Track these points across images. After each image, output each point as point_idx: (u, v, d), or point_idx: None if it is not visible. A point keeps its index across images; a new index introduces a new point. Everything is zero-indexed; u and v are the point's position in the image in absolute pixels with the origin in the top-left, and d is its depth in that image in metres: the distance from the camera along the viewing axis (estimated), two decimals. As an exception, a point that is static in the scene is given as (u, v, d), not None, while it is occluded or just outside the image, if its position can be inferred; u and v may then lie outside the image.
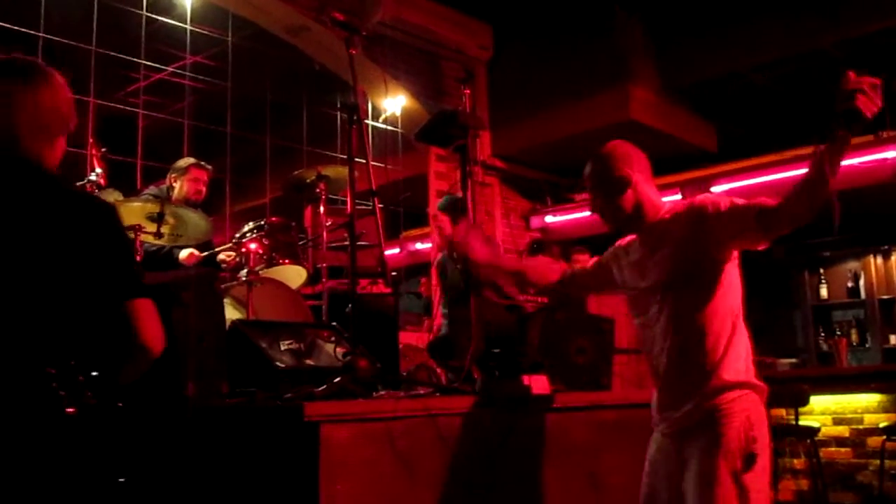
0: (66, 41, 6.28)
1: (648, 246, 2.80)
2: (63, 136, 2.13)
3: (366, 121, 8.62)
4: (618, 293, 3.05)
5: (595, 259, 3.17)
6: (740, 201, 2.59)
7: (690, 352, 2.64)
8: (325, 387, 2.79)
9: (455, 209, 5.36)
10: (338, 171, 5.37)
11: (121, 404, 2.01)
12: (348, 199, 3.31)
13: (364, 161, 3.30)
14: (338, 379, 2.84)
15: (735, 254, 2.67)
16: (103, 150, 4.52)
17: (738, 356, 2.63)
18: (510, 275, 3.33)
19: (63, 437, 1.79)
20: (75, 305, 1.93)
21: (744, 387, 2.60)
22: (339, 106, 8.30)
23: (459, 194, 5.54)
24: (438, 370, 4.67)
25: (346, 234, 5.35)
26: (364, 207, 3.58)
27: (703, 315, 2.62)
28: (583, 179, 2.95)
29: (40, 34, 6.08)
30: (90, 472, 1.86)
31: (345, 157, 8.24)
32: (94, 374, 1.91)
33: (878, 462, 6.34)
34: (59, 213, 1.96)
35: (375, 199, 3.22)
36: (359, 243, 5.41)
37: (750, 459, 2.53)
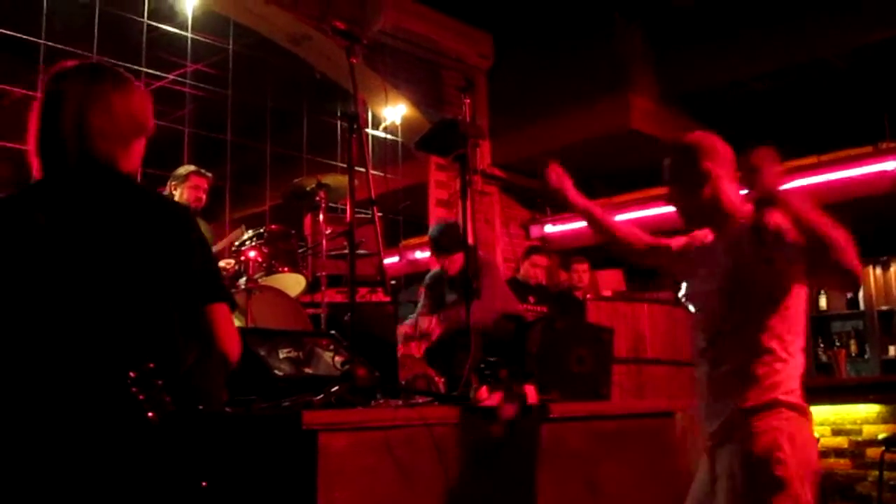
0: (67, 48, 6.29)
1: (720, 247, 2.68)
2: (140, 139, 2.13)
3: (366, 129, 8.66)
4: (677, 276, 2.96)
5: (680, 240, 2.99)
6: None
7: (734, 365, 2.57)
8: (322, 395, 2.78)
9: (441, 243, 5.13)
10: (337, 180, 5.37)
11: (201, 408, 2.01)
12: (348, 208, 3.31)
13: (364, 170, 3.31)
14: (336, 388, 2.83)
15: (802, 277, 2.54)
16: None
17: (783, 376, 2.53)
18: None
19: (145, 443, 1.80)
20: (156, 308, 1.93)
21: (781, 406, 2.51)
22: (339, 115, 8.30)
23: (452, 220, 5.46)
24: (438, 379, 4.66)
25: (345, 243, 5.37)
26: (363, 216, 3.58)
27: (756, 330, 2.54)
28: (661, 169, 2.81)
29: (41, 41, 6.09)
30: (173, 478, 1.85)
31: (345, 165, 8.25)
32: (177, 378, 1.90)
33: (876, 473, 6.32)
34: (139, 215, 1.97)
35: (375, 208, 3.21)
36: (358, 252, 5.43)
37: (775, 482, 2.42)
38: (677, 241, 2.97)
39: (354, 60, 3.42)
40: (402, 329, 5.13)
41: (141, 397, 1.78)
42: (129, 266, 1.90)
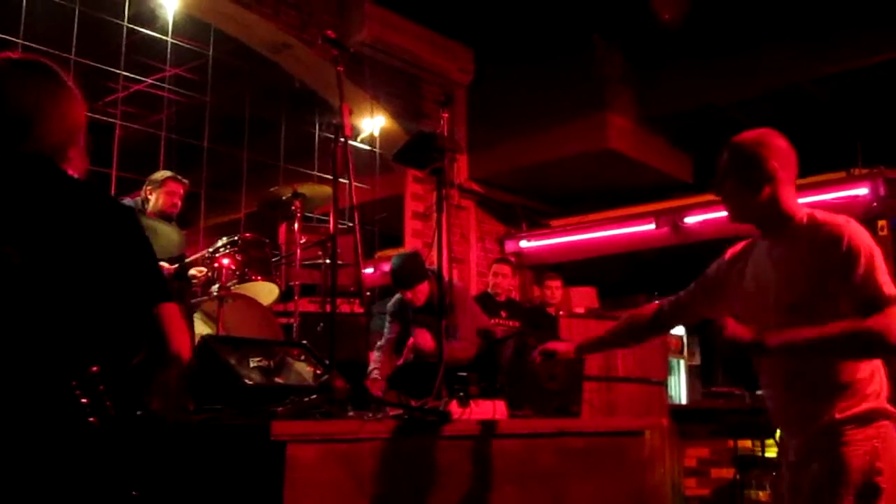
0: (45, 49, 6.24)
1: (778, 253, 2.54)
2: (80, 139, 2.11)
3: (351, 140, 8.66)
4: (723, 310, 2.66)
5: (710, 271, 2.85)
6: (871, 275, 2.33)
7: (809, 379, 2.44)
8: (289, 405, 2.77)
9: (402, 278, 4.96)
10: (313, 189, 5.36)
11: (140, 413, 1.97)
12: (331, 218, 3.30)
13: (341, 180, 3.30)
14: (312, 397, 2.83)
15: None
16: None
17: (865, 383, 2.39)
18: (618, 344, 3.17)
19: (86, 448, 1.77)
20: (101, 310, 1.90)
21: (873, 416, 2.38)
22: (324, 124, 8.31)
23: (411, 251, 5.37)
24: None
25: (319, 252, 5.36)
26: (339, 226, 3.57)
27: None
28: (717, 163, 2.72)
29: (19, 40, 6.04)
30: (110, 484, 1.81)
31: (322, 175, 8.24)
32: (118, 382, 1.86)
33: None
34: (84, 214, 1.93)
35: (356, 219, 3.21)
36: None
37: (872, 492, 2.32)
38: (707, 275, 2.85)
39: (341, 69, 3.42)
40: (374, 358, 5.07)
41: (84, 401, 1.75)
42: (72, 267, 1.87)
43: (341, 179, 3.28)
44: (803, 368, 2.46)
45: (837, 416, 2.38)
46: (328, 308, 5.32)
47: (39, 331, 1.80)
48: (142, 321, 1.95)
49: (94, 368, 1.80)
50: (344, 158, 3.30)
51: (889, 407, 2.41)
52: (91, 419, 1.75)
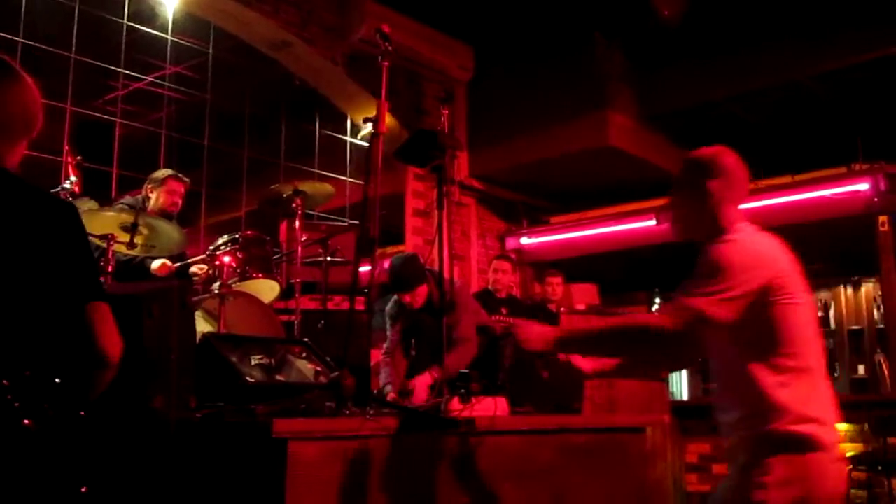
0: (45, 47, 6.25)
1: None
2: (26, 139, 2.05)
3: (345, 137, 8.67)
4: None
5: None
6: (697, 281, 2.44)
7: (722, 379, 2.53)
8: (301, 401, 2.77)
9: (400, 281, 4.93)
10: (314, 187, 5.37)
11: (83, 414, 1.92)
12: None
13: (340, 177, 3.31)
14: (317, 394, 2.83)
15: (777, 297, 2.41)
16: (78, 158, 4.50)
17: (776, 403, 2.37)
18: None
19: (21, 451, 1.72)
20: (34, 310, 1.86)
21: (793, 443, 2.36)
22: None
23: (409, 254, 5.36)
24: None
25: (320, 250, 5.36)
26: (340, 224, 3.58)
27: (739, 354, 2.44)
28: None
29: (19, 39, 6.04)
30: (49, 484, 1.76)
31: (322, 172, 8.24)
32: (56, 383, 1.83)
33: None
34: (17, 211, 1.88)
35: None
36: (334, 260, 5.43)
37: None
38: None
39: (387, 64, 3.40)
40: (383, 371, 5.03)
41: (16, 405, 1.71)
42: (2, 265, 1.82)
43: (338, 176, 3.28)
44: (716, 367, 2.53)
45: (746, 432, 2.41)
46: (329, 306, 5.34)
47: None
48: (72, 321, 1.90)
49: (28, 371, 1.76)
50: (376, 154, 3.30)
51: (792, 428, 2.36)
52: (25, 421, 1.72)
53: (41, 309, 1.87)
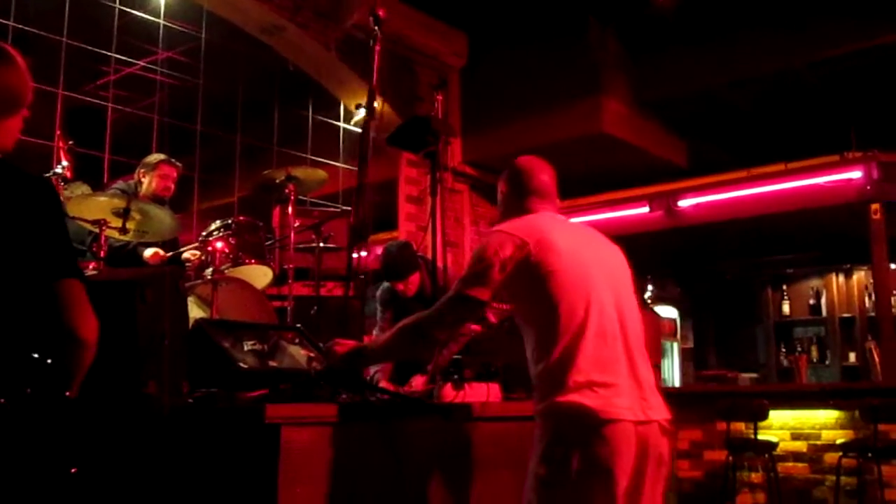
0: (36, 31, 6.21)
1: None
2: (10, 117, 2.01)
3: (338, 123, 8.65)
4: None
5: None
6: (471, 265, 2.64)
7: (530, 363, 2.62)
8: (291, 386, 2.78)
9: (394, 270, 4.93)
10: (307, 173, 5.35)
11: (69, 395, 1.88)
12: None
13: (334, 163, 3.30)
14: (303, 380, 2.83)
15: (533, 272, 2.55)
16: (70, 142, 4.48)
17: (553, 371, 2.46)
18: None
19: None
20: (6, 287, 1.82)
21: (550, 409, 2.46)
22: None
23: (401, 242, 5.34)
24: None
25: (313, 236, 5.35)
26: (332, 210, 3.57)
27: (523, 325, 2.63)
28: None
29: (10, 23, 6.00)
30: (31, 462, 1.73)
31: (315, 158, 8.22)
32: (37, 362, 1.80)
33: (833, 478, 6.42)
34: None
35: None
36: (327, 246, 5.42)
37: (544, 484, 2.42)
38: None
39: (378, 47, 3.41)
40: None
41: None
42: None
43: (331, 162, 3.28)
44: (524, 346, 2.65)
45: (537, 405, 2.52)
46: (322, 292, 5.33)
47: None
48: (43, 299, 1.85)
49: (5, 351, 1.73)
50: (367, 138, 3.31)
51: (589, 402, 2.39)
52: (1, 400, 1.68)
53: (14, 286, 1.83)
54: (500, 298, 2.65)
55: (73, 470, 1.80)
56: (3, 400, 1.69)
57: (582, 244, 2.68)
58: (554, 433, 2.43)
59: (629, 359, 2.52)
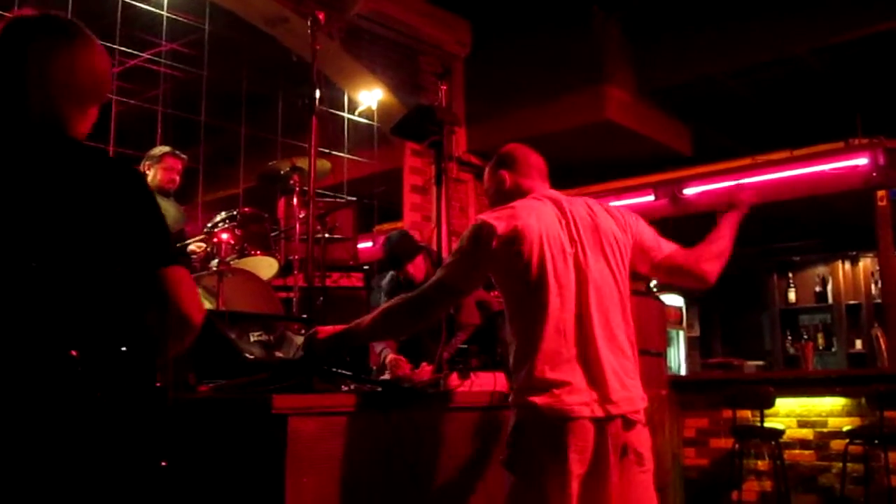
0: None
1: None
2: (96, 104, 2.02)
3: (342, 113, 8.63)
4: None
5: None
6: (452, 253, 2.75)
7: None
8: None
9: (394, 259, 4.99)
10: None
11: (159, 385, 1.88)
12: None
13: (338, 154, 3.29)
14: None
15: (505, 263, 2.61)
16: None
17: (522, 365, 2.53)
18: None
19: (94, 425, 1.67)
20: (104, 279, 1.80)
21: (515, 397, 2.56)
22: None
23: (401, 230, 5.35)
24: (406, 366, 4.67)
25: (318, 227, 5.35)
26: (338, 200, 3.57)
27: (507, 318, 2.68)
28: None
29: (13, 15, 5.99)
30: (127, 458, 1.73)
31: (320, 149, 8.22)
32: (127, 353, 1.79)
33: (840, 465, 6.42)
34: (88, 179, 1.83)
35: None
36: (332, 236, 5.42)
37: (506, 465, 2.54)
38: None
39: (325, 43, 3.40)
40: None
41: (86, 377, 1.67)
42: (73, 234, 1.77)
43: (336, 153, 3.27)
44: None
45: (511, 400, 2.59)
46: (328, 283, 5.34)
47: (35, 305, 1.71)
48: (149, 287, 1.84)
49: (98, 341, 1.72)
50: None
51: (550, 401, 2.45)
52: (98, 394, 1.68)
53: (111, 277, 1.82)
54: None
55: (163, 463, 1.79)
56: (100, 393, 1.68)
57: (558, 230, 2.64)
58: (515, 423, 2.54)
59: (593, 352, 2.52)
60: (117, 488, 1.72)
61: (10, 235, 1.74)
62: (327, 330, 2.81)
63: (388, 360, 4.76)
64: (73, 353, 1.69)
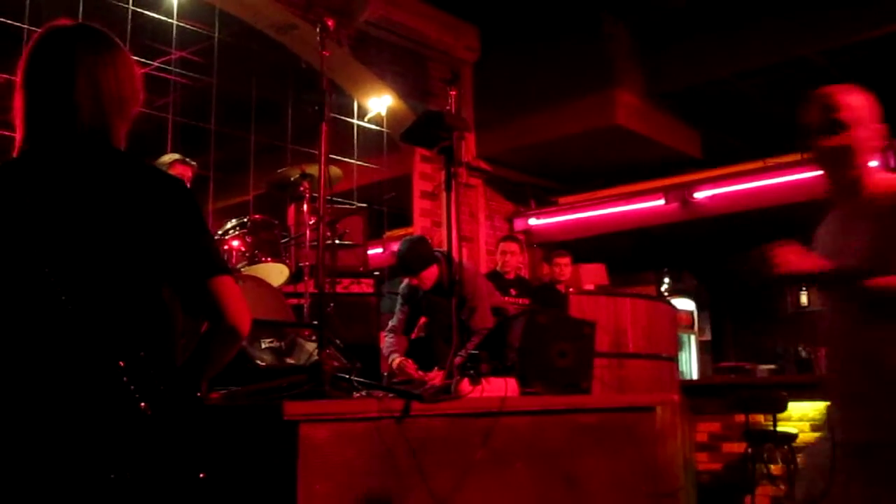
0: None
1: (846, 220, 2.48)
2: (135, 112, 2.03)
3: (352, 120, 8.65)
4: None
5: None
6: None
7: (886, 355, 2.25)
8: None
9: (408, 265, 4.98)
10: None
11: (199, 395, 1.90)
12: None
13: (348, 160, 3.30)
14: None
15: None
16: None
17: None
18: None
19: (139, 436, 1.68)
20: (151, 291, 1.82)
21: None
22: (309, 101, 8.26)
23: (417, 236, 5.37)
24: (418, 373, 4.67)
25: (328, 233, 5.36)
26: (347, 207, 3.57)
27: None
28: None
29: (25, 26, 6.04)
30: (170, 470, 1.73)
31: (330, 156, 8.22)
32: (171, 364, 1.82)
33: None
34: (134, 190, 1.84)
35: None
36: (342, 243, 5.43)
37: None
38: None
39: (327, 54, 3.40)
40: (386, 342, 5.08)
41: (132, 387, 1.68)
42: (121, 245, 1.79)
43: (345, 159, 3.28)
44: (880, 345, 2.27)
45: None
46: (338, 289, 5.34)
47: (84, 316, 1.72)
48: (197, 297, 1.87)
49: (143, 352, 1.73)
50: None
51: None
52: (142, 405, 1.68)
53: (157, 289, 1.84)
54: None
55: (201, 475, 1.80)
56: (144, 404, 1.68)
57: None
58: None
59: None
60: (160, 500, 1.73)
61: (65, 247, 1.76)
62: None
63: (394, 365, 4.78)
64: (121, 363, 1.70)
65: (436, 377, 4.48)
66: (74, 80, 1.87)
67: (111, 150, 1.92)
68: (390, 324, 5.18)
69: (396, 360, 4.80)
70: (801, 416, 6.82)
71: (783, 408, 6.48)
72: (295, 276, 5.38)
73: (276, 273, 5.17)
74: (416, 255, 4.90)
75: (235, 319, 1.90)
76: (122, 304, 1.78)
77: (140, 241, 1.81)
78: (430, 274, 4.90)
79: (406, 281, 5.18)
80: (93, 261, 1.77)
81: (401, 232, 9.87)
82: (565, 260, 7.34)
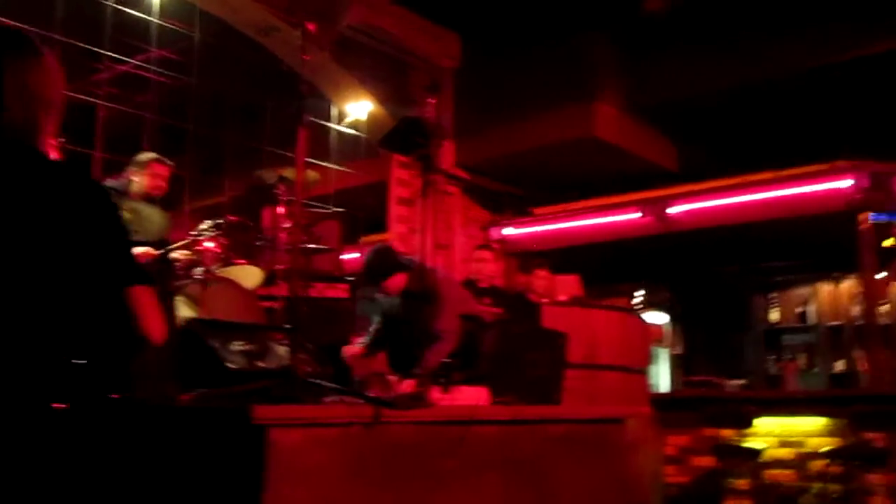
0: (28, 27, 6.17)
1: None
2: (58, 111, 2.02)
3: (330, 124, 8.64)
4: None
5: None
6: None
7: None
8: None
9: (372, 274, 4.91)
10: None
11: (116, 397, 1.92)
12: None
13: (325, 164, 3.29)
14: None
15: None
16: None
17: None
18: None
19: (51, 435, 1.70)
20: (70, 294, 1.83)
21: None
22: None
23: (383, 246, 5.34)
24: (391, 378, 4.65)
25: (304, 237, 5.34)
26: (323, 211, 3.56)
27: None
28: None
29: (1, 19, 5.97)
30: (82, 468, 1.77)
31: (310, 160, 8.20)
32: (86, 367, 1.83)
33: (820, 485, 6.44)
34: (54, 194, 1.85)
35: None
36: (317, 247, 5.42)
37: None
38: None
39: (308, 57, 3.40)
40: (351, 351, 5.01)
41: (47, 387, 1.70)
42: (38, 249, 1.79)
43: (323, 164, 3.27)
44: None
45: None
46: (313, 293, 5.33)
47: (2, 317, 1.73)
48: (113, 305, 1.88)
49: (61, 355, 1.75)
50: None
51: None
52: (55, 405, 1.70)
53: (74, 293, 1.84)
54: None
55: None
56: (59, 405, 1.70)
57: None
58: None
59: None
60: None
61: None
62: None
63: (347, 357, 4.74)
64: (33, 365, 1.71)
65: (407, 386, 4.47)
66: (2, 82, 1.88)
67: (36, 153, 1.92)
68: (371, 328, 5.11)
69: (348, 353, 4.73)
70: (768, 432, 6.87)
71: (748, 424, 6.54)
72: (269, 280, 5.36)
73: (249, 275, 5.16)
74: (379, 264, 4.85)
75: (149, 329, 1.92)
76: (42, 307, 1.78)
77: (57, 245, 1.81)
78: (396, 281, 4.85)
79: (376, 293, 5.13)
80: (8, 264, 1.76)
81: (376, 237, 9.85)
82: (544, 272, 7.35)
